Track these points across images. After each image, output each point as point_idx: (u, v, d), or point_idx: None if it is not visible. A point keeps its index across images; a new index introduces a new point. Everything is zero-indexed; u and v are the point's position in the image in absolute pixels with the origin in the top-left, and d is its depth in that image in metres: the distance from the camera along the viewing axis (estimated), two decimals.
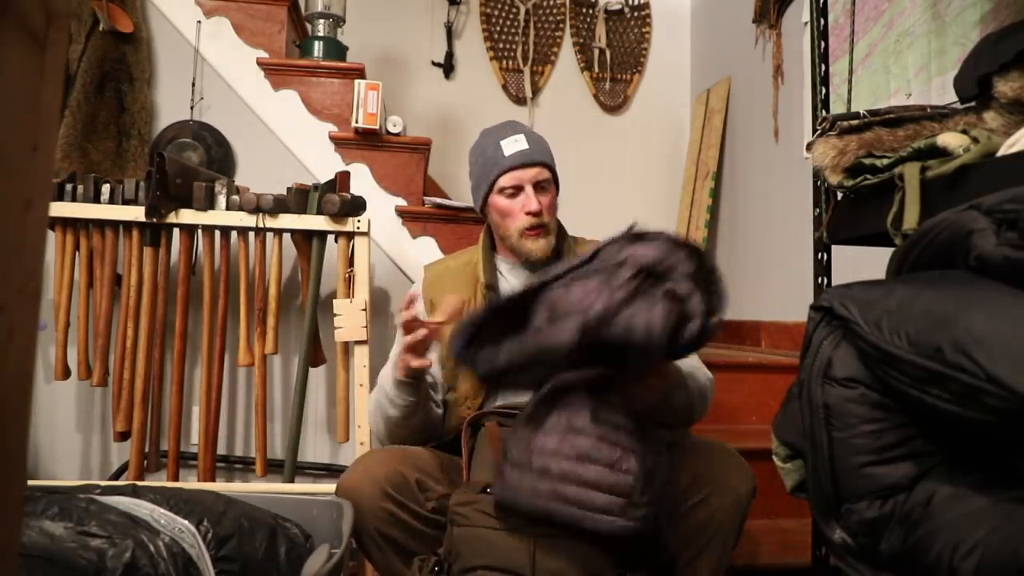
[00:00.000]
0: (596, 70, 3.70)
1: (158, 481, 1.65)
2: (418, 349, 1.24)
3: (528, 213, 1.39)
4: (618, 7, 3.71)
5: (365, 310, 1.87)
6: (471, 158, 1.49)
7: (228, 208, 1.86)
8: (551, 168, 1.44)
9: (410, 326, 1.23)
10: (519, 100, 3.64)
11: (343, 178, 1.93)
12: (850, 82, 1.79)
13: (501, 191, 1.41)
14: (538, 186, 1.41)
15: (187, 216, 1.85)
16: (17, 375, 0.36)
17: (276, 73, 2.38)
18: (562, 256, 1.47)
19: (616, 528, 1.00)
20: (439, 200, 2.46)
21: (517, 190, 1.41)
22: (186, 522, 1.01)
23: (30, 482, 1.19)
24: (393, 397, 1.34)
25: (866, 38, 2.10)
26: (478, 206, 1.48)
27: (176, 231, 1.91)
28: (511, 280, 1.47)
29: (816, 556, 1.47)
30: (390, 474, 1.24)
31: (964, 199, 0.83)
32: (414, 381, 1.31)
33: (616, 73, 3.72)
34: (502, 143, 1.41)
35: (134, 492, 1.07)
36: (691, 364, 1.38)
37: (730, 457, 1.24)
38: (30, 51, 0.35)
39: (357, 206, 1.90)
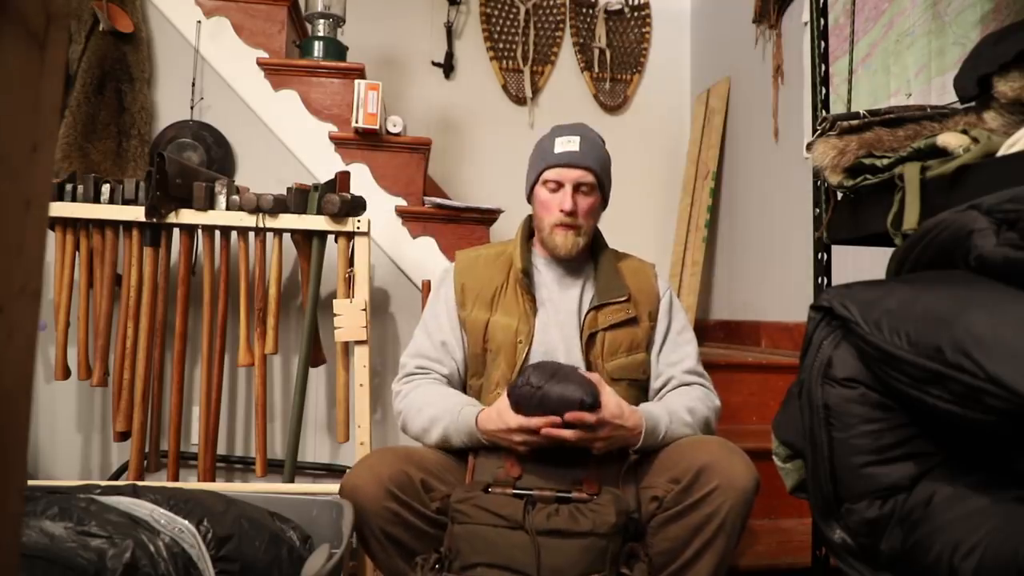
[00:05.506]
0: (596, 70, 3.70)
1: (158, 481, 1.65)
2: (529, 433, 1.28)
3: (562, 211, 1.44)
4: (618, 7, 3.71)
5: (365, 310, 1.87)
6: (534, 148, 1.55)
7: (228, 208, 1.86)
8: (597, 174, 1.46)
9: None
10: (519, 100, 3.64)
11: (343, 178, 1.93)
12: (850, 82, 1.79)
13: (544, 184, 1.47)
14: (579, 188, 1.45)
15: (187, 216, 1.84)
16: (17, 375, 0.36)
17: (276, 73, 2.38)
18: (598, 264, 1.52)
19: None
20: (439, 200, 2.46)
21: (558, 186, 1.45)
22: (186, 522, 1.01)
23: (30, 482, 1.19)
24: (464, 437, 1.35)
25: (866, 38, 2.10)
26: (527, 193, 1.54)
27: (176, 231, 1.90)
28: (545, 273, 1.51)
29: (816, 556, 1.47)
30: (394, 474, 1.24)
31: (964, 199, 0.83)
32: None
33: (616, 73, 3.72)
34: (557, 140, 1.47)
35: (134, 492, 1.07)
36: (694, 397, 1.41)
37: (733, 452, 1.24)
38: (30, 51, 0.35)
39: (357, 206, 1.90)
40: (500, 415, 1.29)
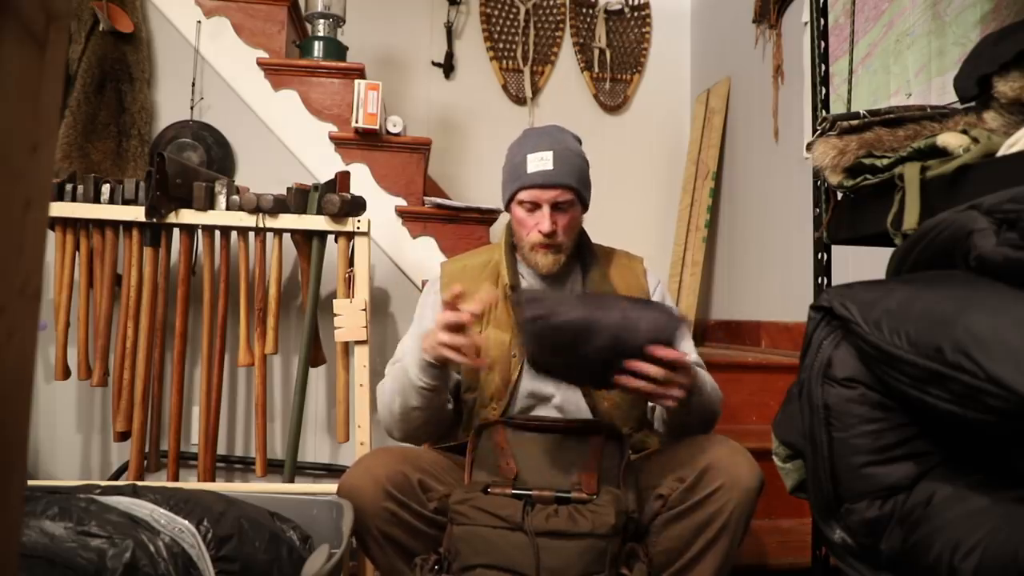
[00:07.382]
0: (596, 70, 3.70)
1: (158, 481, 1.65)
2: (454, 330, 1.20)
3: (540, 232, 1.39)
4: (618, 7, 3.71)
5: (365, 310, 1.87)
6: (507, 155, 1.49)
7: (228, 208, 1.86)
8: (575, 189, 1.40)
9: (452, 305, 1.21)
10: (519, 100, 3.64)
11: (343, 178, 1.93)
12: (850, 82, 1.79)
13: (520, 203, 1.42)
14: (556, 206, 1.39)
15: (187, 216, 1.84)
16: (17, 375, 0.36)
17: (276, 73, 2.38)
18: (586, 269, 1.47)
19: None
20: (439, 200, 2.46)
21: (535, 206, 1.40)
22: (186, 522, 1.01)
23: (30, 482, 1.19)
24: (416, 380, 1.29)
25: (866, 38, 2.10)
26: (504, 205, 1.48)
27: (176, 231, 1.91)
28: (532, 285, 1.47)
29: (816, 556, 1.47)
30: (392, 474, 1.23)
31: (964, 199, 0.83)
32: (442, 366, 1.28)
33: (616, 73, 3.72)
34: (529, 157, 1.40)
35: (134, 492, 1.07)
36: (704, 376, 1.39)
37: (738, 451, 1.24)
38: (30, 51, 0.35)
39: (357, 206, 1.90)
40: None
